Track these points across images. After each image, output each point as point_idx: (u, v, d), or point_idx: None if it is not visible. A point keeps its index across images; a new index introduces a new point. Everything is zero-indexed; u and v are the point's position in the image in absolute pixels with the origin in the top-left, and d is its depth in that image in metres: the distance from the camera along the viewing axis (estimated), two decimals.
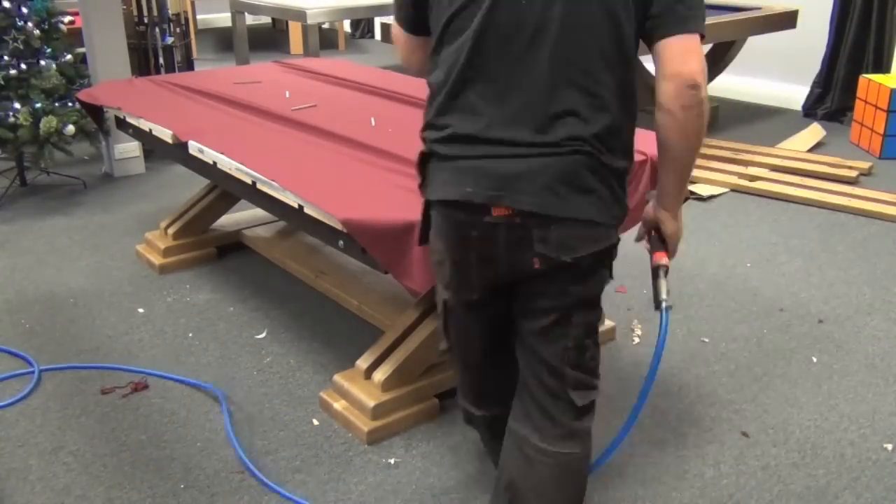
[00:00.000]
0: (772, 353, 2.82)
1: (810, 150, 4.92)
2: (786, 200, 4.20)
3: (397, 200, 2.13)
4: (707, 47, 5.47)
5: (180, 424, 2.44)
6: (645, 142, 2.60)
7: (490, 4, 1.53)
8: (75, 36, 4.50)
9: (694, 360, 2.78)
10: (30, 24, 4.05)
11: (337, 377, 2.49)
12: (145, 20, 4.73)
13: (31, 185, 4.40)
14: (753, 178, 4.43)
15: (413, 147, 2.57)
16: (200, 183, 3.70)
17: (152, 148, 3.63)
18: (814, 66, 5.75)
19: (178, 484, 2.19)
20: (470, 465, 2.27)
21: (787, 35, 5.59)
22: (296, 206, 2.26)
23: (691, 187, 4.22)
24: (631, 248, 3.67)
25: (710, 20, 5.73)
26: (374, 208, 2.08)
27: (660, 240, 1.82)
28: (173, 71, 4.87)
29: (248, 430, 2.41)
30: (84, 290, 3.26)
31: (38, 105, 4.01)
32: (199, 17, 9.09)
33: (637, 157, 2.45)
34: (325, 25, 8.64)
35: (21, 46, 4.01)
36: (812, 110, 5.74)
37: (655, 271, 1.81)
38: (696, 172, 4.47)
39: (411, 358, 2.41)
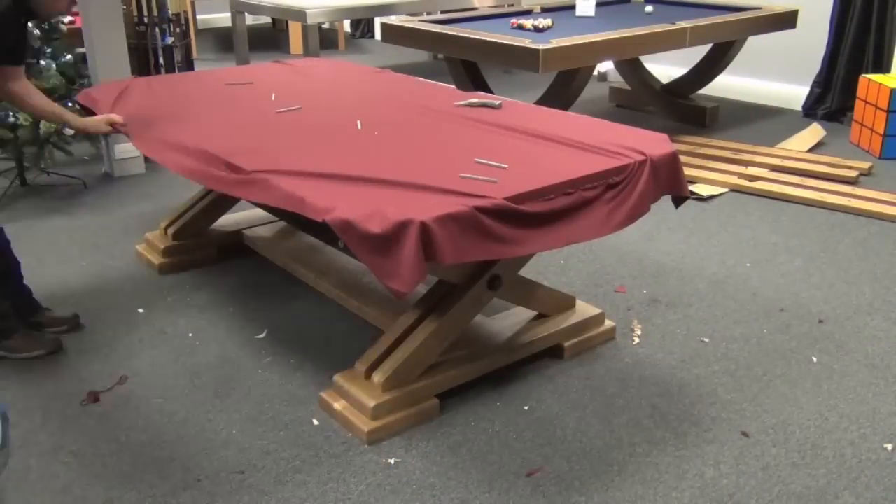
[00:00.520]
0: (772, 353, 2.83)
1: (810, 150, 4.92)
2: (786, 200, 4.20)
3: (384, 200, 2.12)
4: (707, 47, 5.48)
5: (180, 424, 2.44)
6: (645, 142, 2.61)
7: None
8: (75, 36, 4.51)
9: (694, 360, 2.78)
10: (30, 23, 4.05)
11: (337, 377, 2.49)
12: (145, 20, 4.73)
13: (31, 185, 4.40)
14: (753, 178, 4.43)
15: (398, 147, 2.59)
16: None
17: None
18: (814, 66, 5.75)
19: (178, 484, 2.19)
20: (470, 465, 2.27)
21: (787, 35, 5.60)
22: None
23: (691, 187, 4.22)
24: (631, 248, 3.69)
25: (710, 20, 5.71)
26: (359, 208, 2.07)
27: None
28: (173, 71, 4.88)
29: (249, 430, 2.41)
30: (84, 290, 3.26)
31: None
32: (199, 17, 9.10)
33: (637, 157, 2.45)
34: (325, 25, 8.65)
35: None
36: (812, 110, 5.74)
37: None
38: (695, 172, 4.47)
39: (411, 358, 2.41)
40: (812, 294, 3.23)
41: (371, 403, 2.36)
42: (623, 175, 2.41)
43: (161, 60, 4.82)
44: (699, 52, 5.51)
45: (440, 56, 7.62)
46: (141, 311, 3.10)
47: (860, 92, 5.06)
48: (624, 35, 4.45)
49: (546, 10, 5.57)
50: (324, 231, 2.15)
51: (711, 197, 4.26)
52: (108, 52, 4.31)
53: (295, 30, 8.11)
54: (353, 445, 2.34)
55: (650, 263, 3.50)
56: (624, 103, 6.01)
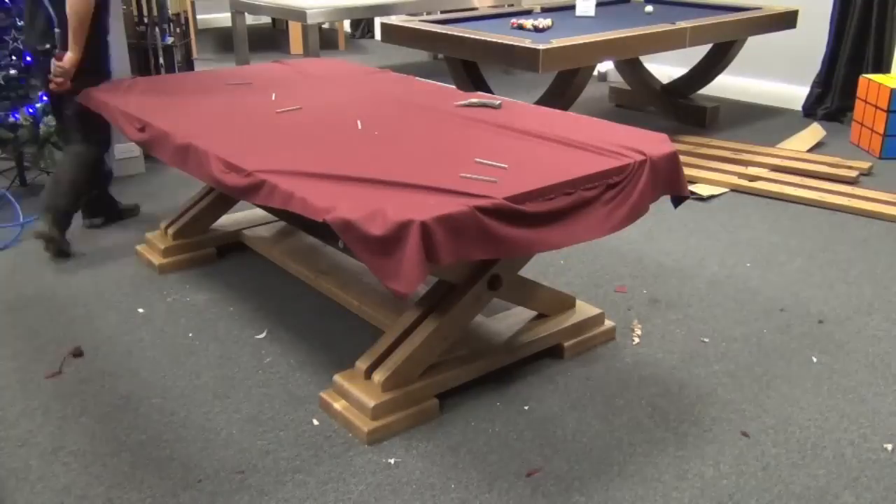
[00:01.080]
0: (772, 353, 2.83)
1: (810, 150, 4.92)
2: (786, 200, 4.21)
3: (384, 200, 2.12)
4: (707, 47, 5.48)
5: (180, 424, 2.44)
6: (645, 142, 2.61)
7: None
8: None
9: (694, 360, 2.78)
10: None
11: (337, 377, 2.49)
12: (145, 20, 4.73)
13: (31, 185, 4.40)
14: (753, 178, 4.43)
15: (398, 147, 2.59)
16: (200, 183, 3.71)
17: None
18: (814, 66, 5.75)
19: (178, 484, 2.19)
20: (470, 465, 2.27)
21: (787, 35, 5.60)
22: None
23: (691, 187, 4.22)
24: (631, 248, 3.68)
25: (710, 20, 5.70)
26: (359, 208, 2.07)
27: None
28: (173, 71, 4.87)
29: (249, 430, 2.41)
30: (84, 290, 3.26)
31: (38, 105, 4.01)
32: (199, 17, 9.10)
33: (636, 157, 2.45)
34: (325, 25, 8.65)
35: (21, 46, 4.01)
36: (812, 110, 5.74)
37: None
38: (695, 172, 4.47)
39: (411, 358, 2.41)
40: (812, 294, 3.23)
41: (371, 403, 2.36)
42: (623, 175, 2.41)
43: (161, 60, 4.82)
44: (699, 52, 5.51)
45: (440, 56, 7.62)
46: (141, 311, 3.10)
47: (860, 92, 5.06)
48: (624, 35, 4.45)
49: (546, 10, 5.57)
50: (324, 231, 2.15)
51: (711, 197, 4.26)
52: None
53: (295, 30, 8.11)
54: (353, 445, 2.34)
55: (650, 263, 3.50)
56: (624, 103, 6.01)
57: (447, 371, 2.51)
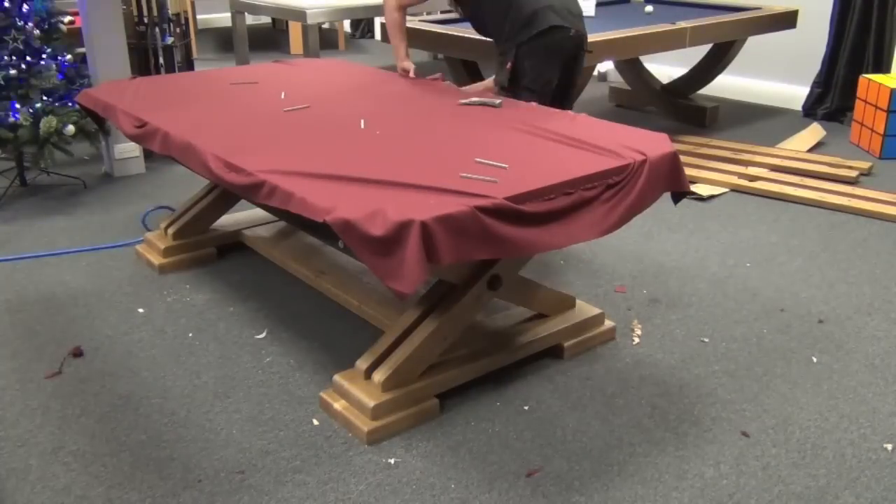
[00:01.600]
0: (772, 353, 2.83)
1: (810, 150, 4.92)
2: (786, 200, 4.20)
3: (385, 200, 2.12)
4: (707, 47, 5.48)
5: (180, 424, 2.44)
6: (645, 142, 2.61)
7: None
8: (75, 36, 4.51)
9: (694, 360, 2.78)
10: (30, 24, 4.06)
11: (337, 377, 2.49)
12: (145, 20, 4.73)
13: (31, 185, 4.41)
14: (753, 178, 4.43)
15: (400, 147, 2.59)
16: (200, 183, 3.71)
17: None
18: (814, 66, 5.75)
19: (178, 484, 2.19)
20: (470, 465, 2.27)
21: (787, 35, 5.60)
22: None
23: (691, 187, 4.22)
24: (631, 248, 3.68)
25: (710, 20, 5.69)
26: (360, 208, 2.07)
27: None
28: (173, 71, 4.87)
29: (249, 430, 2.41)
30: (84, 290, 3.26)
31: (38, 105, 4.01)
32: (199, 17, 9.09)
33: (637, 157, 2.45)
34: (325, 25, 8.65)
35: (21, 46, 4.02)
36: (812, 110, 5.74)
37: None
38: (695, 172, 4.47)
39: (411, 358, 2.41)
40: (812, 294, 3.23)
41: (371, 403, 2.36)
42: (623, 175, 2.41)
43: (161, 60, 4.82)
44: (699, 52, 5.51)
45: (440, 56, 7.61)
46: (141, 311, 3.10)
47: (860, 92, 5.06)
48: (624, 35, 4.44)
49: None
50: (324, 231, 2.15)
51: (711, 197, 4.26)
52: (108, 52, 4.31)
53: (295, 30, 8.11)
54: (353, 445, 2.34)
55: (650, 263, 3.50)
56: (624, 103, 6.01)
57: (447, 371, 2.51)
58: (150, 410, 2.51)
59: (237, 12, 6.29)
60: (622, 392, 2.60)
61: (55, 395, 2.58)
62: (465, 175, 2.30)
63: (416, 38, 4.81)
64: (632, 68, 5.68)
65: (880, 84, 4.82)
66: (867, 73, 5.34)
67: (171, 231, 3.44)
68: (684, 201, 3.91)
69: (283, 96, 3.21)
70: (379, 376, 2.40)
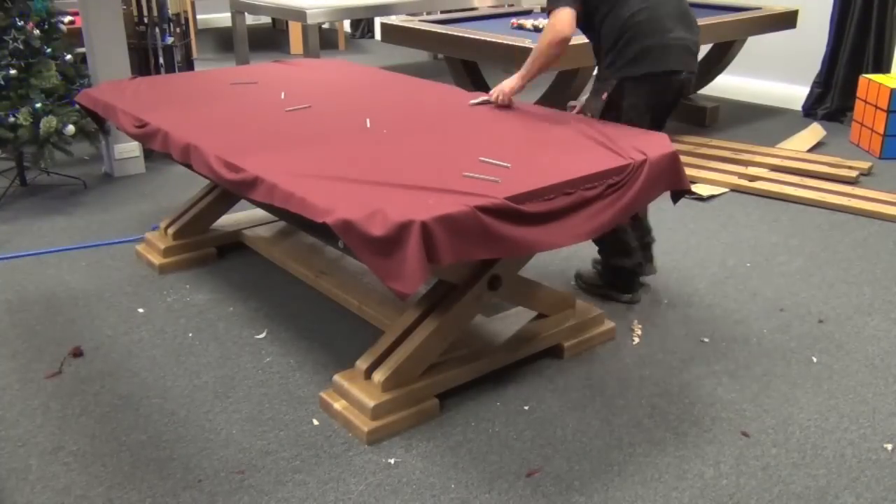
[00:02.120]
0: (772, 353, 2.82)
1: (810, 150, 4.92)
2: (786, 200, 4.20)
3: (385, 200, 2.12)
4: (707, 47, 5.48)
5: (180, 424, 2.44)
6: (645, 142, 2.61)
7: None
8: (75, 36, 4.50)
9: (694, 360, 2.78)
10: (30, 24, 4.05)
11: (337, 377, 2.49)
12: (145, 20, 4.73)
13: (31, 185, 4.40)
14: (753, 178, 4.43)
15: (406, 148, 2.59)
16: (200, 183, 3.71)
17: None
18: (814, 66, 5.75)
19: (178, 484, 2.19)
20: (470, 465, 2.27)
21: (787, 35, 5.60)
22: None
23: (692, 187, 4.22)
24: None
25: (710, 20, 5.70)
26: (360, 208, 2.07)
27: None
28: (173, 71, 4.87)
29: (249, 430, 2.41)
30: (84, 290, 3.26)
31: (38, 105, 4.01)
32: (199, 17, 9.09)
33: (637, 157, 2.45)
34: (325, 25, 8.65)
35: (21, 46, 4.01)
36: (812, 110, 5.74)
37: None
38: (695, 172, 4.47)
39: (411, 358, 2.41)
40: (812, 294, 3.23)
41: (371, 403, 2.36)
42: (623, 175, 2.41)
43: (161, 60, 4.82)
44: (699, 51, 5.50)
45: (440, 56, 7.61)
46: (141, 311, 3.10)
47: (860, 92, 5.06)
48: None
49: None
50: (324, 231, 2.15)
51: (711, 197, 4.26)
52: (108, 52, 4.31)
53: (295, 30, 8.11)
54: (353, 445, 2.34)
55: None
56: None
57: (447, 371, 2.51)
58: (150, 410, 2.51)
59: (237, 12, 6.29)
60: (622, 392, 2.60)
61: (55, 395, 2.58)
62: (467, 174, 2.30)
63: (416, 38, 4.82)
64: None
65: (880, 84, 4.82)
66: (867, 73, 5.34)
67: (171, 231, 3.44)
68: (684, 201, 3.91)
69: (282, 96, 3.21)
70: (379, 376, 2.40)
